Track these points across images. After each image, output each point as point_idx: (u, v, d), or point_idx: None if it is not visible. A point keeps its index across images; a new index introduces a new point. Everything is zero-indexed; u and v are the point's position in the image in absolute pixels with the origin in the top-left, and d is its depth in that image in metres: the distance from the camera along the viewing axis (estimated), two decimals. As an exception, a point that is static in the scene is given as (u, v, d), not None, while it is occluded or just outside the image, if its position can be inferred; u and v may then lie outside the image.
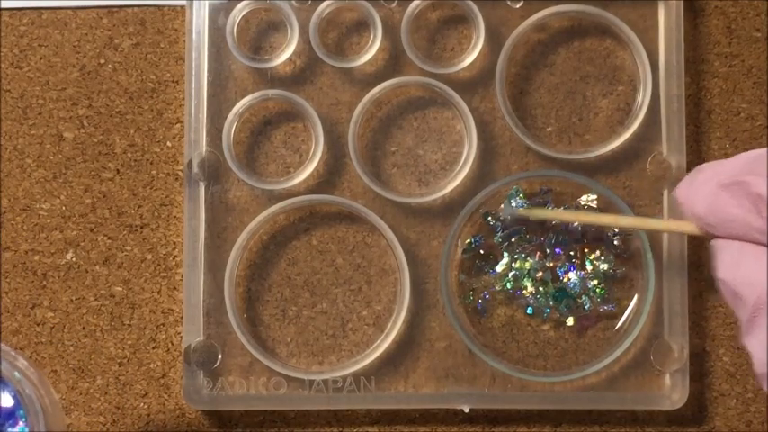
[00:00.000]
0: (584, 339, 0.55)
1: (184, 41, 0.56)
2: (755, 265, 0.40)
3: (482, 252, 0.55)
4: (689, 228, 0.45)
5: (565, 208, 0.55)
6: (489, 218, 0.55)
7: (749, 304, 0.40)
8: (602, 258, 0.55)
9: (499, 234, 0.55)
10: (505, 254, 0.55)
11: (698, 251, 0.56)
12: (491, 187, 0.55)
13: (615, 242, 0.55)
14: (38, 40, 0.57)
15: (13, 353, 0.45)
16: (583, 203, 0.55)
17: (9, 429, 0.45)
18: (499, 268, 0.55)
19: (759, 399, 0.56)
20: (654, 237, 0.55)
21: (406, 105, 0.56)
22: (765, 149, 0.41)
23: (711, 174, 0.42)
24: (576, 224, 0.55)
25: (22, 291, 0.56)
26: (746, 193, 0.40)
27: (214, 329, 0.55)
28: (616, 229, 0.55)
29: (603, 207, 0.55)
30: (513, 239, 0.55)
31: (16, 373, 0.45)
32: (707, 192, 0.41)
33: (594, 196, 0.55)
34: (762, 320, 0.39)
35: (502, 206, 0.55)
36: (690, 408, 0.55)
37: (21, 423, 0.45)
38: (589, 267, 0.55)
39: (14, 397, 0.45)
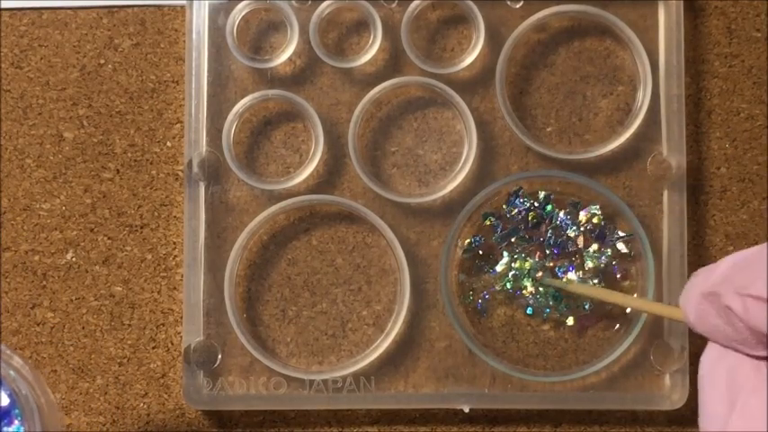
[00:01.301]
0: (584, 339, 0.55)
1: (184, 41, 0.56)
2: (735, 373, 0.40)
3: (482, 252, 0.55)
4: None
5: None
6: (489, 218, 0.55)
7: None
8: (601, 252, 0.55)
9: (498, 234, 0.55)
10: (505, 254, 0.55)
11: (698, 251, 0.56)
12: (491, 187, 0.55)
13: (618, 245, 0.55)
14: (38, 40, 0.57)
15: (8, 352, 0.45)
16: (586, 218, 0.55)
17: (5, 428, 0.45)
18: (499, 268, 0.55)
19: (759, 399, 0.56)
20: (654, 237, 0.55)
21: (406, 105, 0.56)
22: (747, 253, 0.39)
23: (700, 280, 0.40)
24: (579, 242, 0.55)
25: (22, 291, 0.56)
26: (719, 305, 0.39)
27: (214, 329, 0.55)
28: (620, 247, 0.55)
29: (604, 208, 0.55)
30: (512, 239, 0.55)
31: (12, 372, 0.45)
32: (695, 299, 0.41)
33: (598, 209, 0.55)
34: None
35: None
36: (690, 408, 0.55)
37: (16, 422, 0.45)
38: (588, 265, 0.55)
39: (10, 396, 0.45)
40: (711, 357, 0.40)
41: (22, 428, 0.45)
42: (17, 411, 0.45)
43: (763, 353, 0.39)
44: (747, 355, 0.39)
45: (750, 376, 0.39)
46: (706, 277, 0.40)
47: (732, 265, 0.39)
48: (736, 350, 0.40)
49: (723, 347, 0.40)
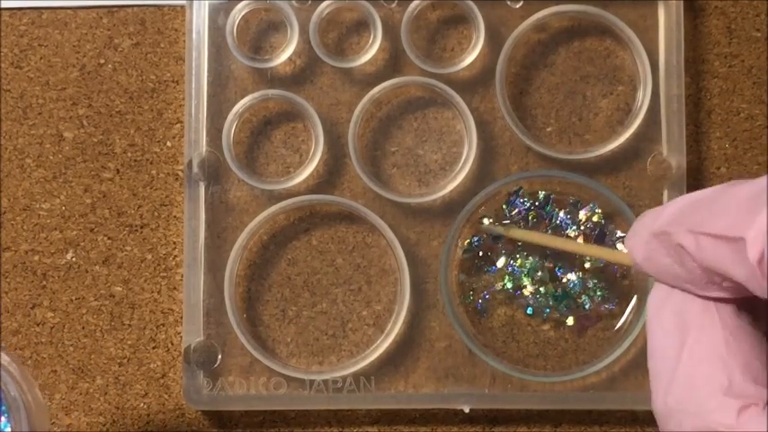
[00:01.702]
0: (584, 339, 0.55)
1: (184, 41, 0.56)
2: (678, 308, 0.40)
3: (482, 252, 0.55)
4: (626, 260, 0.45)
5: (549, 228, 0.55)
6: (484, 219, 0.55)
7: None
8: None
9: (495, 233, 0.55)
10: (503, 252, 0.55)
11: (698, 251, 0.56)
12: (491, 187, 0.55)
13: (618, 245, 0.55)
14: (38, 39, 0.57)
15: None
16: (586, 216, 0.55)
17: None
18: (499, 264, 0.55)
19: (759, 399, 0.56)
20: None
21: (406, 105, 0.56)
22: (695, 195, 0.39)
23: (648, 221, 0.40)
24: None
25: (22, 291, 0.56)
26: (670, 244, 0.39)
27: (214, 329, 0.55)
28: (617, 241, 0.55)
29: (604, 208, 0.55)
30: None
31: None
32: (643, 239, 0.41)
33: (597, 208, 0.55)
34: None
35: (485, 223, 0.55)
36: (690, 408, 0.55)
37: (3, 419, 0.45)
38: (588, 265, 0.55)
39: None
40: (659, 298, 0.40)
41: (8, 426, 0.45)
42: (4, 409, 0.45)
43: (713, 293, 0.38)
44: (697, 295, 0.39)
45: (699, 316, 0.39)
46: (655, 218, 0.40)
47: (686, 205, 0.39)
48: (685, 290, 0.39)
49: (671, 288, 0.40)
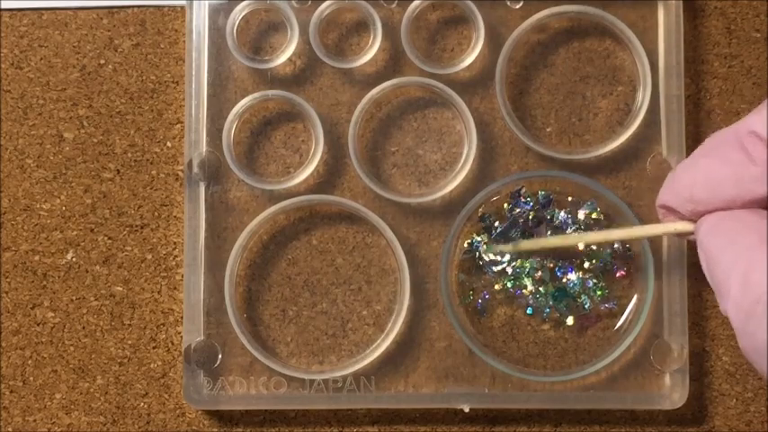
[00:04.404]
0: (584, 339, 0.55)
1: (184, 42, 0.57)
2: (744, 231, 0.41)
3: (482, 252, 0.55)
4: (680, 226, 0.45)
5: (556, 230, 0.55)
6: (486, 219, 0.55)
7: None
8: (601, 252, 0.55)
9: (496, 233, 0.55)
10: (507, 252, 0.55)
11: (698, 251, 0.56)
12: (491, 187, 0.55)
13: (615, 244, 0.55)
14: (38, 40, 0.57)
15: None
16: (585, 215, 0.55)
17: None
18: (499, 266, 0.55)
19: (759, 399, 0.56)
20: (653, 236, 0.55)
21: (406, 105, 0.56)
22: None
23: (688, 163, 0.43)
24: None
25: (22, 291, 0.56)
26: (740, 136, 0.40)
27: (214, 329, 0.55)
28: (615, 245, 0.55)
29: (604, 208, 0.55)
30: (511, 236, 0.55)
31: None
32: (687, 176, 0.42)
33: (594, 205, 0.55)
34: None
35: (484, 246, 0.55)
36: (690, 408, 0.55)
37: None
38: (588, 265, 0.55)
39: None
40: (711, 222, 0.43)
41: None
42: None
43: None
44: (747, 206, 0.41)
45: (757, 227, 0.41)
46: (690, 160, 0.44)
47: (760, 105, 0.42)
48: (744, 200, 0.41)
49: (722, 212, 0.42)
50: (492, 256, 0.55)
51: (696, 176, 0.43)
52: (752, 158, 0.41)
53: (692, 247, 0.56)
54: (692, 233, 0.46)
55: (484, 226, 0.55)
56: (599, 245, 0.55)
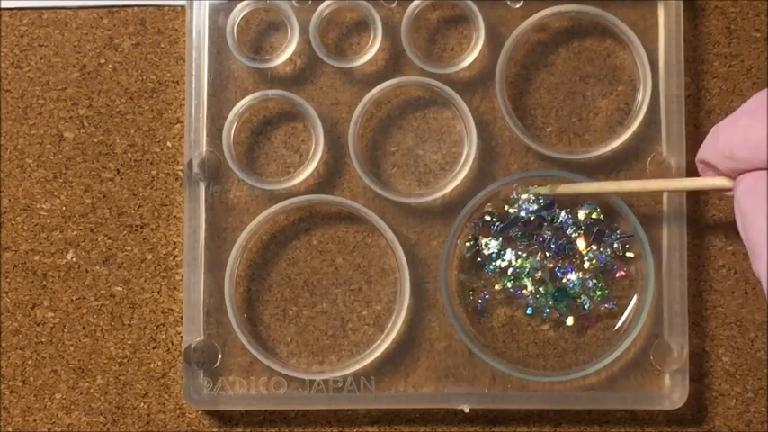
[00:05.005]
0: (584, 339, 0.55)
1: (184, 41, 0.57)
2: None
3: (482, 252, 0.55)
4: (719, 181, 0.46)
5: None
6: (486, 216, 0.55)
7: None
8: (600, 251, 0.55)
9: (495, 228, 0.55)
10: (503, 248, 0.55)
11: (698, 251, 0.56)
12: (491, 187, 0.55)
13: (615, 245, 0.55)
14: (38, 40, 0.57)
15: None
16: (585, 215, 0.55)
17: None
18: (499, 261, 0.55)
19: (759, 399, 0.56)
20: (653, 236, 0.55)
21: (406, 105, 0.56)
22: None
23: (731, 120, 0.44)
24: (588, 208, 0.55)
25: (22, 291, 0.56)
26: None
27: (214, 329, 0.55)
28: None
29: (604, 208, 0.55)
30: (511, 234, 0.55)
31: None
32: (729, 134, 0.43)
33: (594, 206, 0.55)
34: None
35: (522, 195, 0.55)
36: (690, 408, 0.55)
37: None
38: (588, 265, 0.55)
39: None
40: (749, 183, 0.43)
41: None
42: None
43: None
44: None
45: None
46: (730, 119, 0.45)
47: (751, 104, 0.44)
48: None
49: (759, 173, 0.42)
50: (517, 208, 0.55)
51: (737, 135, 0.43)
52: None
53: (692, 246, 0.56)
54: (730, 189, 0.46)
55: (484, 225, 0.55)
56: (604, 212, 0.55)
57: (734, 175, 0.45)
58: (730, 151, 0.44)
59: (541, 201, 0.55)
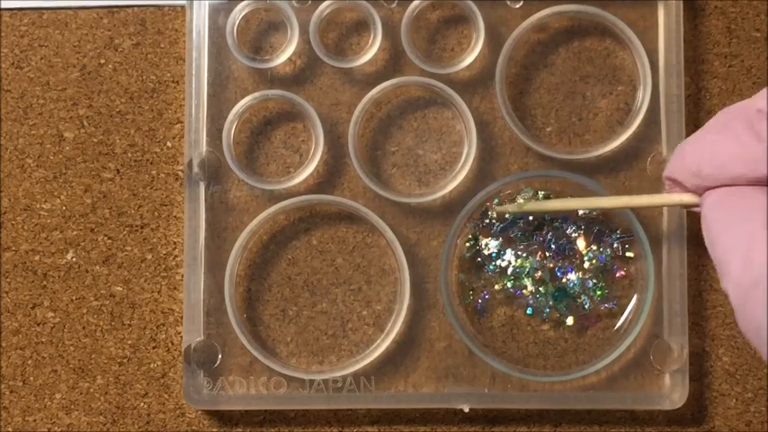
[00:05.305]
0: (584, 339, 0.55)
1: (184, 41, 0.57)
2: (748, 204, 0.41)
3: (482, 252, 0.55)
4: (686, 198, 0.46)
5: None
6: (486, 216, 0.55)
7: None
8: (600, 251, 0.55)
9: (495, 228, 0.55)
10: (503, 248, 0.55)
11: (698, 251, 0.56)
12: (491, 187, 0.55)
13: (615, 245, 0.55)
14: (38, 40, 0.57)
15: None
16: (585, 213, 0.55)
17: None
18: (499, 261, 0.55)
19: (759, 399, 0.56)
20: (653, 236, 0.55)
21: (406, 105, 0.56)
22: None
23: (696, 138, 0.44)
24: (578, 214, 0.55)
25: (22, 291, 0.56)
26: (750, 114, 0.41)
27: (214, 329, 0.55)
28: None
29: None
30: (511, 234, 0.55)
31: None
32: (695, 151, 0.43)
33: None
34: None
35: (493, 208, 0.55)
36: (689, 408, 0.55)
37: None
38: (587, 266, 0.55)
39: None
40: (715, 198, 0.43)
41: None
42: None
43: None
44: (753, 183, 0.42)
45: (760, 206, 0.41)
46: (700, 134, 0.44)
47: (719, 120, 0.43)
48: (750, 177, 0.42)
49: (726, 188, 0.42)
50: (496, 220, 0.55)
51: (704, 152, 0.44)
52: (760, 137, 0.41)
53: (692, 247, 0.56)
54: (696, 205, 0.46)
55: (484, 225, 0.55)
56: (603, 212, 0.55)
57: (700, 191, 0.45)
58: (697, 168, 0.44)
59: (541, 196, 0.55)
